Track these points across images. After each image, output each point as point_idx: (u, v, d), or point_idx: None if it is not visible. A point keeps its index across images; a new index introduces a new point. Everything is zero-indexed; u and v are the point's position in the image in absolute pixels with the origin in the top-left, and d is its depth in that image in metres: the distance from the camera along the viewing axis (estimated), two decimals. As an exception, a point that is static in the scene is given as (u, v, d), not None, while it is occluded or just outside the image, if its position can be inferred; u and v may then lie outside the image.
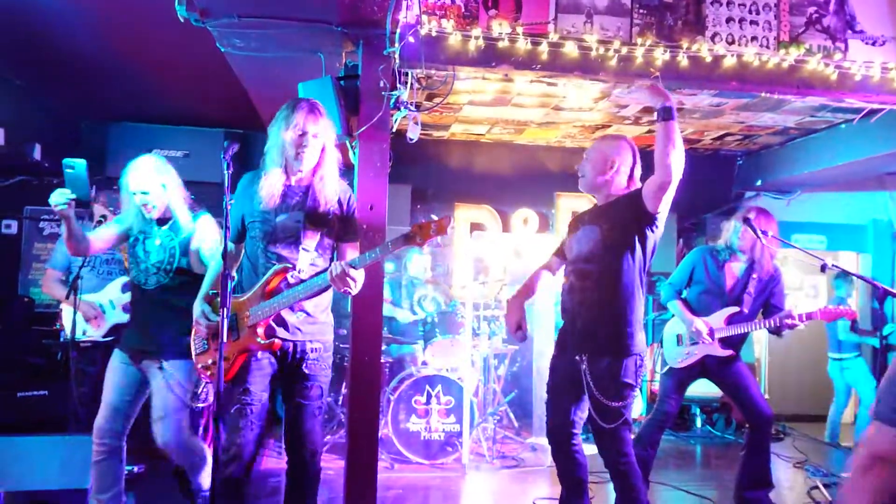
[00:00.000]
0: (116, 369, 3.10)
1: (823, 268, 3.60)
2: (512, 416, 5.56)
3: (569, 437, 2.97)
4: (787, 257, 7.79)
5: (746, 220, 3.68)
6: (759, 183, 6.77)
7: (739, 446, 4.21)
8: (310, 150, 2.57)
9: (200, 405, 3.18)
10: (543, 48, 3.39)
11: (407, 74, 3.44)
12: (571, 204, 6.76)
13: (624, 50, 3.45)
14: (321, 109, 2.63)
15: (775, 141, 6.33)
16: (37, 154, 5.02)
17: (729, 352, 3.84)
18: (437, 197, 6.83)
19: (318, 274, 2.57)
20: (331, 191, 2.64)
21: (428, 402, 4.81)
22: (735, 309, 3.85)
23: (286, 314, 2.57)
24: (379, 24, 3.27)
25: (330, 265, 2.56)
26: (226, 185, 2.38)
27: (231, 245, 2.68)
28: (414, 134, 3.42)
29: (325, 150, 2.63)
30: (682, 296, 4.04)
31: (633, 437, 4.21)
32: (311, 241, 2.60)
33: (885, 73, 3.60)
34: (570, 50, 3.41)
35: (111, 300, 4.16)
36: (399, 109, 3.40)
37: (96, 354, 3.97)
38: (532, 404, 5.58)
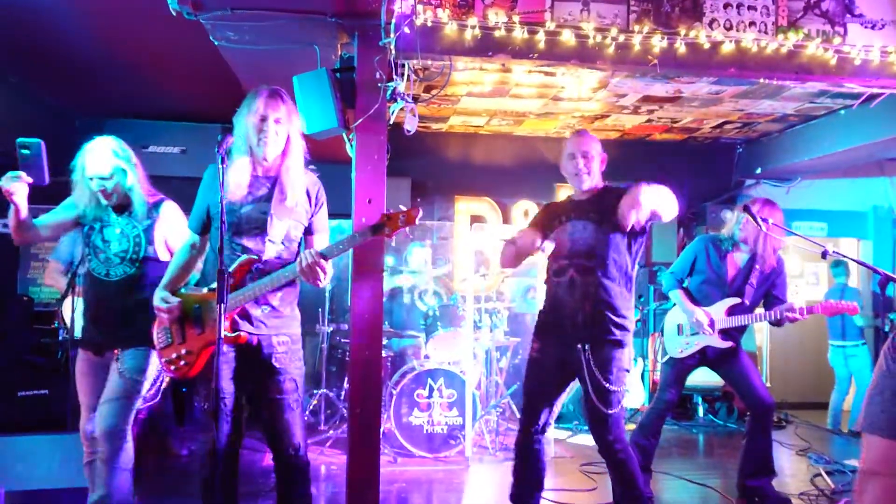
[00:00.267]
0: (86, 373, 2.98)
1: (824, 254, 3.57)
2: (514, 408, 5.56)
3: (538, 438, 3.14)
4: (788, 245, 7.77)
5: (746, 209, 3.66)
6: (758, 171, 6.75)
7: (741, 435, 4.20)
8: (272, 136, 2.52)
9: (146, 404, 2.97)
10: (540, 37, 3.36)
11: (403, 66, 3.41)
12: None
13: (621, 37, 3.42)
14: (284, 96, 2.59)
15: (775, 128, 6.30)
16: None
17: (729, 343, 3.83)
18: (436, 190, 6.81)
19: (285, 265, 2.54)
20: (297, 181, 2.59)
21: (430, 396, 4.80)
22: (736, 300, 3.84)
23: (250, 307, 2.52)
24: (374, 15, 3.24)
25: (297, 256, 2.54)
26: (220, 178, 2.35)
27: (196, 237, 2.69)
28: (411, 126, 3.39)
29: (290, 139, 2.58)
30: (684, 285, 4.03)
31: (634, 426, 4.24)
32: (277, 232, 2.57)
33: (885, 57, 3.56)
34: (568, 38, 3.38)
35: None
36: (396, 101, 3.37)
37: None
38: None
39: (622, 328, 2.93)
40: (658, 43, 3.43)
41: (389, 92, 3.30)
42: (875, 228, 7.02)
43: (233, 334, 2.49)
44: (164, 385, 3.12)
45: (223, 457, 2.48)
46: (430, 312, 5.33)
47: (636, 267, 3.05)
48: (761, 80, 3.75)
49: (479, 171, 6.75)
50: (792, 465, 4.97)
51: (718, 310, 3.83)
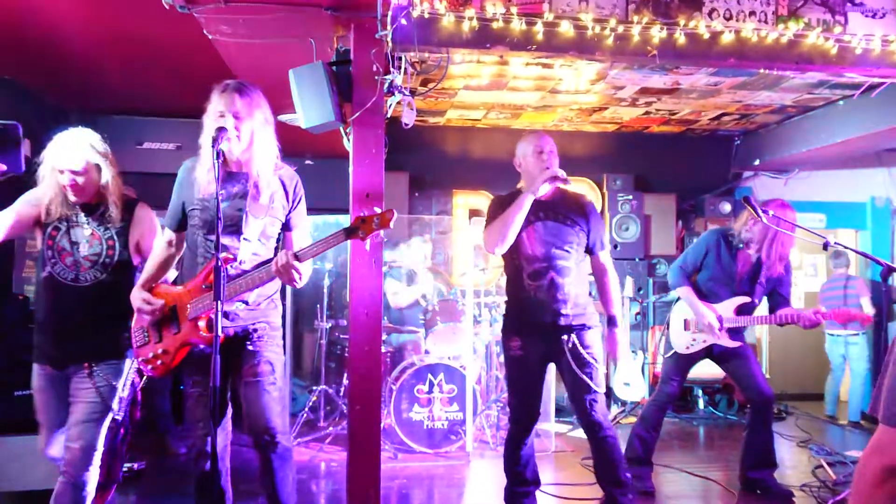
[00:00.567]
0: (45, 388, 2.68)
1: (825, 246, 3.56)
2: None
3: (529, 434, 3.27)
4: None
5: (747, 199, 3.63)
6: (756, 162, 6.73)
7: (742, 427, 4.20)
8: (231, 133, 2.45)
9: (119, 416, 2.73)
10: (538, 28, 3.33)
11: (400, 58, 3.37)
12: (569, 188, 6.69)
13: (620, 28, 3.39)
14: (246, 91, 2.50)
15: (773, 120, 6.28)
16: (26, 149, 4.94)
17: (737, 343, 3.81)
18: (434, 184, 6.78)
19: (261, 265, 2.50)
20: (266, 177, 2.54)
21: (430, 391, 4.78)
22: (746, 299, 3.82)
23: (225, 305, 2.45)
24: (370, 7, 3.20)
25: (275, 255, 2.50)
26: (215, 174, 2.31)
27: (171, 234, 2.67)
28: (409, 119, 3.36)
29: (255, 133, 2.51)
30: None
31: (635, 419, 4.24)
32: (252, 230, 2.52)
33: (886, 46, 3.54)
34: (566, 29, 3.35)
35: None
36: (393, 94, 3.33)
37: None
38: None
39: (592, 312, 3.20)
40: (657, 33, 3.40)
41: (387, 85, 3.26)
42: (873, 219, 7.02)
43: (209, 334, 2.45)
44: (129, 401, 2.88)
45: (213, 454, 2.45)
46: (429, 307, 5.30)
47: None
48: (761, 71, 3.73)
49: (477, 165, 6.72)
50: (793, 456, 4.97)
51: (727, 308, 3.81)
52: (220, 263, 2.23)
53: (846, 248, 3.63)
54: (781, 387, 6.80)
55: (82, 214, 2.69)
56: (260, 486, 2.62)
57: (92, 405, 2.61)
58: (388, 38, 3.19)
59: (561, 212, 3.20)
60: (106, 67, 4.71)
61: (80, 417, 2.59)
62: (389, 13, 3.17)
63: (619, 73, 4.87)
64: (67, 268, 2.64)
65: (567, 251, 3.15)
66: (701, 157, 7.03)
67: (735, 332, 3.83)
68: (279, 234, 2.66)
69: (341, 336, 5.68)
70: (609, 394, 6.23)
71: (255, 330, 2.57)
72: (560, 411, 5.66)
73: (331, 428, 5.10)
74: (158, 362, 2.56)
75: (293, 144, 5.85)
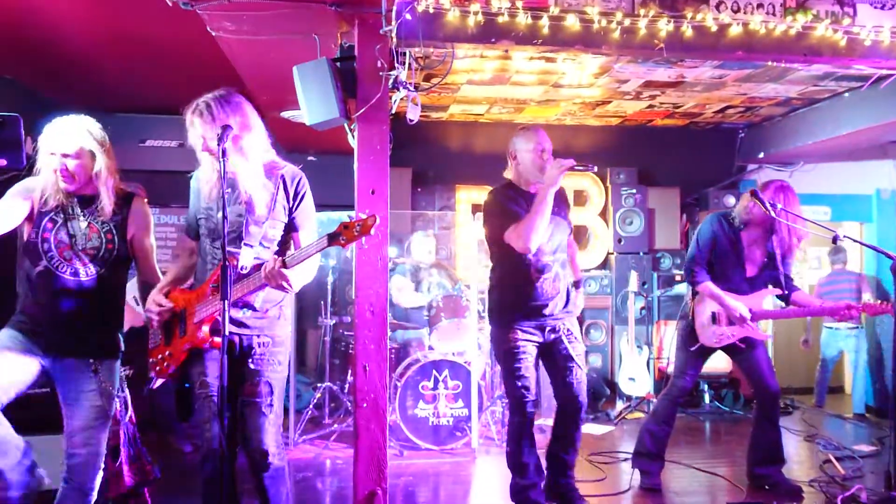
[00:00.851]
0: (8, 350, 2.47)
1: (835, 239, 3.54)
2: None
3: (533, 425, 3.47)
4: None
5: (754, 193, 3.61)
6: (761, 155, 6.70)
7: (748, 421, 4.18)
8: (201, 155, 2.50)
9: (120, 417, 2.72)
10: (544, 22, 3.29)
11: (405, 54, 3.34)
12: (573, 182, 6.68)
13: (627, 22, 3.35)
14: (211, 107, 2.45)
15: (778, 112, 6.25)
16: (28, 147, 4.92)
17: (767, 335, 3.81)
18: (437, 179, 6.76)
19: (256, 268, 2.49)
20: (252, 187, 2.51)
21: (435, 388, 4.77)
22: (777, 291, 3.80)
23: (232, 310, 2.46)
24: (374, 3, 3.17)
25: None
26: (221, 173, 2.29)
27: (192, 242, 2.70)
28: (414, 115, 3.33)
29: (234, 146, 2.45)
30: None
31: (642, 414, 4.24)
32: (253, 236, 2.52)
33: (895, 38, 3.50)
34: (572, 23, 3.32)
35: (135, 297, 4.09)
36: (398, 90, 3.31)
37: None
38: (540, 385, 5.52)
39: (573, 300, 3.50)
40: (664, 26, 3.36)
41: (391, 81, 3.23)
42: (879, 212, 6.98)
43: (210, 338, 2.47)
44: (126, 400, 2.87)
45: (220, 454, 2.44)
46: (433, 303, 5.28)
47: None
48: (769, 63, 3.69)
49: (480, 160, 6.69)
50: (800, 451, 4.96)
51: (757, 301, 3.79)
52: (227, 263, 2.23)
53: (855, 241, 3.62)
54: (787, 381, 6.78)
55: (79, 206, 2.58)
56: (257, 500, 2.65)
57: (97, 409, 2.56)
58: (393, 34, 3.16)
59: (556, 205, 3.28)
60: (108, 65, 4.68)
61: (86, 422, 2.53)
62: (394, 8, 3.15)
63: (623, 66, 4.84)
64: (66, 261, 2.52)
65: (563, 246, 3.44)
66: (705, 151, 7.00)
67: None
68: (283, 235, 2.63)
69: (345, 333, 5.67)
70: (614, 389, 6.22)
71: (260, 345, 2.56)
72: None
73: (335, 425, 5.10)
74: (165, 364, 2.59)
75: (296, 141, 5.88)
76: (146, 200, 4.57)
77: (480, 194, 6.69)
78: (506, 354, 3.36)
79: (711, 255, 3.85)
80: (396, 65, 3.27)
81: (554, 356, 3.40)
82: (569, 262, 3.56)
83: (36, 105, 5.44)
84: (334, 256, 5.71)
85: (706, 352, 3.90)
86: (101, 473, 2.60)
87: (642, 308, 6.40)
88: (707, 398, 6.20)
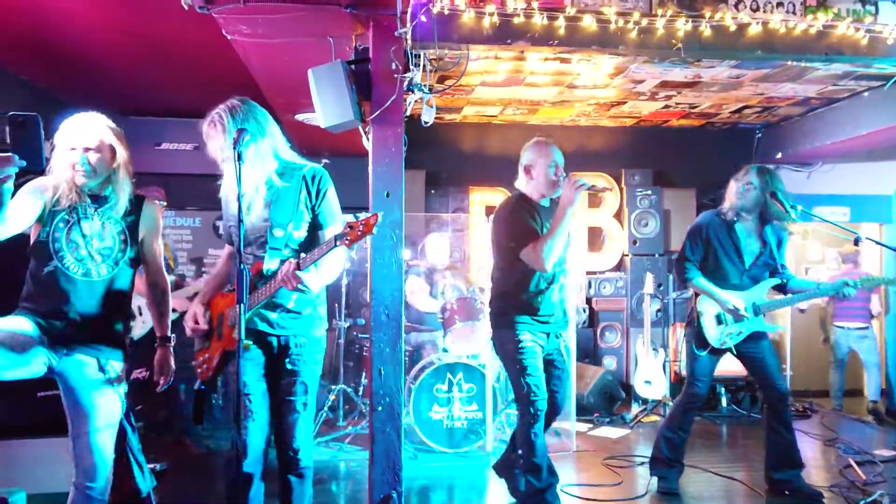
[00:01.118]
0: (24, 323, 2.39)
1: (857, 241, 3.50)
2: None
3: (545, 425, 3.50)
4: (808, 230, 7.64)
5: (773, 195, 3.58)
6: (779, 156, 6.63)
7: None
8: (221, 165, 2.53)
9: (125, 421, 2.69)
10: (560, 23, 3.27)
11: (419, 56, 3.33)
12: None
13: (644, 22, 3.33)
14: (215, 117, 2.52)
15: (795, 112, 6.18)
16: (46, 151, 4.96)
17: (777, 328, 3.78)
18: (451, 181, 6.75)
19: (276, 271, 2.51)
20: (271, 186, 2.55)
21: (450, 390, 4.75)
22: (777, 281, 3.79)
23: (266, 312, 2.55)
24: (389, 5, 3.17)
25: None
26: (238, 177, 2.29)
27: (230, 248, 2.75)
28: (429, 117, 3.33)
29: (252, 149, 2.47)
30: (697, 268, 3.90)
31: (658, 417, 4.21)
32: (277, 239, 2.56)
33: (918, 36, 3.45)
34: (588, 24, 3.29)
35: (139, 307, 4.11)
36: (412, 92, 3.30)
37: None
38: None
39: None
40: (682, 26, 3.33)
41: (406, 83, 3.22)
42: (899, 212, 6.88)
43: (246, 340, 2.45)
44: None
45: (237, 455, 2.47)
46: (447, 305, 5.26)
47: None
48: (789, 63, 3.64)
49: (494, 161, 6.67)
50: (820, 455, 4.89)
51: (760, 293, 3.76)
52: (243, 266, 2.23)
53: (879, 244, 3.57)
54: (805, 384, 6.70)
55: (91, 206, 2.51)
56: (279, 498, 2.66)
57: (110, 413, 2.52)
58: (408, 36, 3.16)
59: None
60: (124, 68, 4.71)
61: (99, 424, 2.48)
62: (409, 10, 3.14)
63: (639, 67, 4.80)
64: (78, 261, 2.46)
65: (566, 258, 3.52)
66: (721, 151, 6.93)
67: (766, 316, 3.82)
68: (309, 235, 2.63)
69: (359, 335, 5.66)
70: (629, 392, 6.16)
71: (297, 345, 2.60)
72: (580, 411, 5.60)
73: (350, 427, 5.09)
74: (204, 367, 2.68)
75: (311, 143, 5.88)
76: (165, 204, 4.63)
77: (494, 196, 6.68)
78: (514, 354, 3.37)
79: (707, 254, 3.82)
80: (411, 67, 3.26)
81: (549, 361, 3.52)
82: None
83: (52, 107, 5.49)
84: (348, 259, 5.70)
85: (716, 356, 3.86)
86: (110, 477, 2.56)
87: (658, 310, 6.34)
88: (724, 401, 6.13)
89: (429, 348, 5.32)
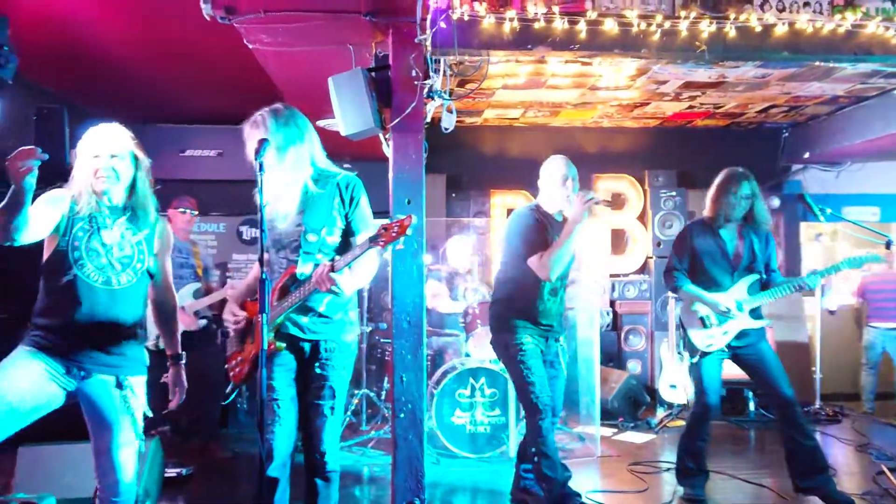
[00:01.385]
0: (31, 372, 2.33)
1: (888, 244, 3.42)
2: (557, 405, 5.45)
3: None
4: (837, 231, 7.50)
5: (802, 197, 3.52)
6: (806, 155, 6.51)
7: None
8: (260, 176, 2.41)
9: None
10: (581, 27, 3.25)
11: (439, 62, 3.33)
12: (609, 186, 6.59)
13: (667, 24, 3.29)
14: (256, 120, 2.57)
15: (823, 111, 6.06)
16: (71, 159, 5.05)
17: (762, 321, 3.73)
18: (472, 184, 6.74)
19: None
20: (292, 195, 2.57)
21: (472, 395, 4.73)
22: (756, 277, 3.74)
23: (298, 316, 2.57)
24: (409, 12, 3.16)
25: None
26: (259, 186, 2.30)
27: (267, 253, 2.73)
28: (449, 123, 3.32)
29: (290, 154, 2.54)
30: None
31: (682, 422, 4.16)
32: (311, 243, 2.58)
33: (950, 33, 3.36)
34: (610, 27, 3.26)
35: (183, 306, 4.16)
36: (433, 99, 3.29)
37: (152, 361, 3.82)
38: (578, 393, 5.46)
39: None
40: (706, 28, 3.28)
41: (426, 90, 3.22)
42: (931, 212, 6.73)
43: (271, 344, 2.49)
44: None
45: (260, 462, 2.44)
46: (469, 310, 5.25)
47: None
48: (817, 63, 3.57)
49: (515, 164, 6.64)
50: (851, 461, 4.78)
51: (741, 290, 3.72)
52: (264, 275, 2.25)
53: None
54: (834, 387, 6.57)
55: (110, 215, 2.48)
56: (305, 501, 2.66)
57: (132, 429, 2.48)
58: (427, 43, 3.15)
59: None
60: (148, 76, 4.78)
61: (124, 441, 2.45)
62: (428, 17, 3.14)
63: (662, 68, 4.74)
64: (99, 270, 2.42)
65: (569, 271, 3.57)
66: (747, 151, 6.81)
67: (752, 312, 3.74)
68: (342, 240, 2.65)
69: (381, 340, 5.67)
70: (654, 396, 6.09)
71: (327, 350, 2.62)
72: (604, 415, 5.55)
73: (373, 432, 5.09)
74: (237, 369, 2.71)
75: (331, 149, 5.90)
76: (196, 213, 4.69)
77: (515, 199, 6.65)
78: (515, 357, 3.41)
79: (693, 262, 3.80)
80: (431, 73, 3.25)
81: (548, 366, 3.59)
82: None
83: (76, 117, 5.58)
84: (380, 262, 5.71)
85: (715, 363, 3.79)
86: (135, 493, 2.55)
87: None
88: (752, 406, 6.03)
89: (451, 352, 5.31)
